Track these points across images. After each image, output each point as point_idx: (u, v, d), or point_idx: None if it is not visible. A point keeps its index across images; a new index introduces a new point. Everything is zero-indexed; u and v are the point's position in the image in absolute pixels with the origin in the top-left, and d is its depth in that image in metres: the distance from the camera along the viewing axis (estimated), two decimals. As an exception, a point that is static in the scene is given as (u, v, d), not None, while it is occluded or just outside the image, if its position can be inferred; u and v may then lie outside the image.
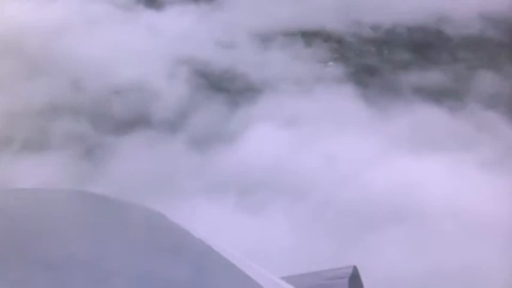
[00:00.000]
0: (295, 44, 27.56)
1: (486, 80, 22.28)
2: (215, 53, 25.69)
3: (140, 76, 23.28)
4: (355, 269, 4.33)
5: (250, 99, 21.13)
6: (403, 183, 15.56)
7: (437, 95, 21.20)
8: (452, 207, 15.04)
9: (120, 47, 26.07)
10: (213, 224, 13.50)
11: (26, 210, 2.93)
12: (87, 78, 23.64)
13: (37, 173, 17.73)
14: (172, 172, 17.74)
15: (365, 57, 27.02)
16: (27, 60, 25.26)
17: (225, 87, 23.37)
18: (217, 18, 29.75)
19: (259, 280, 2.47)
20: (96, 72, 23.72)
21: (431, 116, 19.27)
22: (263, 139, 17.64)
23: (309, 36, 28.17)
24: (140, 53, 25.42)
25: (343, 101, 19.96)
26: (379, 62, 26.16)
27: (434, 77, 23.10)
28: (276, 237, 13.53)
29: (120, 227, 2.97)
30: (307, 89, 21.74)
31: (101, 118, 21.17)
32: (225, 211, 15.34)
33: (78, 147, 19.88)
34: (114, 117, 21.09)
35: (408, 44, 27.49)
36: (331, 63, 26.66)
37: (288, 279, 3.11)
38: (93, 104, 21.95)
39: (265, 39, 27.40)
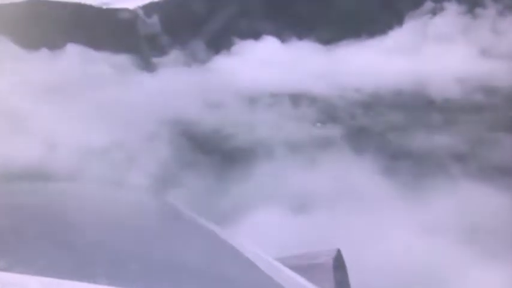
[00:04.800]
0: (282, 104, 19.64)
1: (502, 146, 13.90)
2: (203, 113, 17.47)
3: (120, 138, 14.81)
4: (338, 251, 3.37)
5: (243, 168, 12.65)
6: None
7: (456, 163, 12.61)
8: None
9: (108, 107, 17.79)
10: None
11: (53, 203, 2.33)
12: (64, 140, 15.21)
13: None
14: None
15: (353, 119, 19.00)
16: (10, 121, 16.91)
17: (213, 149, 14.97)
18: (206, 80, 22.07)
19: (260, 264, 2.03)
20: (73, 134, 15.28)
21: (477, 199, 10.24)
22: (270, 228, 8.82)
23: (296, 97, 20.35)
24: (126, 113, 17.09)
25: (358, 173, 11.29)
26: (370, 124, 18.08)
27: (442, 141, 14.68)
28: None
29: (137, 215, 2.38)
30: (307, 157, 13.23)
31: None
32: None
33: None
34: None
35: (393, 106, 19.57)
36: (319, 124, 18.82)
37: (279, 260, 2.45)
38: (64, 168, 13.45)
39: (253, 99, 19.57)
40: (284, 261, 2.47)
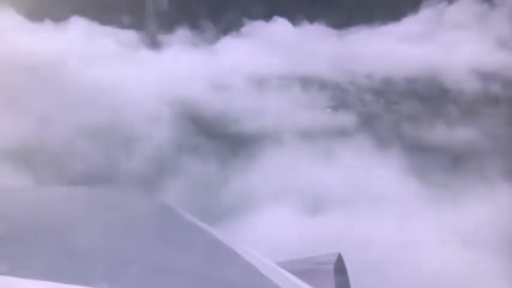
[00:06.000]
0: (291, 89, 18.27)
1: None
2: (208, 95, 16.09)
3: (120, 117, 13.48)
4: (339, 255, 3.07)
5: (248, 155, 11.27)
6: None
7: (486, 160, 11.13)
8: None
9: (110, 84, 16.43)
10: None
11: (52, 207, 2.26)
12: (61, 116, 13.91)
13: None
14: None
15: (365, 105, 17.70)
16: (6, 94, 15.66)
17: (217, 134, 13.64)
18: (214, 60, 20.65)
19: (259, 266, 1.96)
20: (71, 111, 13.96)
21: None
22: (277, 229, 7.43)
23: (305, 82, 18.96)
24: (128, 91, 15.72)
25: (375, 168, 9.93)
26: (382, 112, 16.72)
27: (462, 134, 13.27)
28: None
29: (135, 219, 2.31)
30: (317, 146, 11.83)
31: (58, 169, 11.24)
32: None
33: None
34: (74, 170, 11.15)
35: (405, 94, 18.22)
36: (328, 110, 17.47)
37: (279, 264, 2.26)
38: (54, 149, 12.14)
39: (261, 83, 18.20)
40: (285, 265, 2.32)
